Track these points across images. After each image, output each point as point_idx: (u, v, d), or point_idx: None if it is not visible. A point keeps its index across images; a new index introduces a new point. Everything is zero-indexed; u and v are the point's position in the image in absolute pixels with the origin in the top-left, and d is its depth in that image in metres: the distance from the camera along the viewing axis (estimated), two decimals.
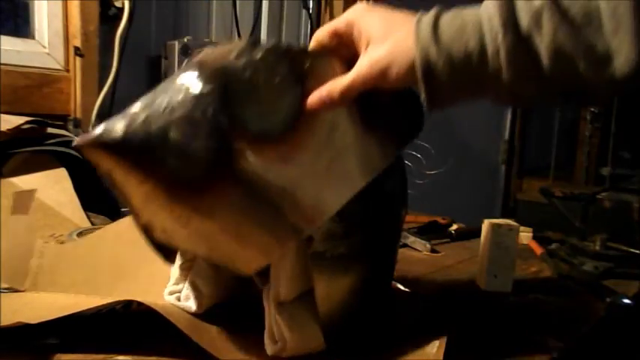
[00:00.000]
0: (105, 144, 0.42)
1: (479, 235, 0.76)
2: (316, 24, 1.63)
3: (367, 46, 0.46)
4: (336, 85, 0.46)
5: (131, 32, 1.15)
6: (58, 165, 0.84)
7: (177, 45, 1.11)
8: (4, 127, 0.80)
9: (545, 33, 0.41)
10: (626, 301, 0.71)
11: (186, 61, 0.49)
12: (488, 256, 0.72)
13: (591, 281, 0.79)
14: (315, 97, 0.46)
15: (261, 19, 1.51)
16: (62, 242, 0.61)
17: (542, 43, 0.42)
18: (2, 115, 0.85)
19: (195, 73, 0.43)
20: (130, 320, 0.53)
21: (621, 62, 0.40)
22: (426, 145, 0.79)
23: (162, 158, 0.42)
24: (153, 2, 1.25)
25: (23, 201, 0.66)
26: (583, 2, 0.41)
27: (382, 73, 0.45)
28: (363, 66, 0.46)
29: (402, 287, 0.68)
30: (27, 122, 0.84)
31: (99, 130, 0.42)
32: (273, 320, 0.47)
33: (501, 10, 0.42)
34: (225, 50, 0.45)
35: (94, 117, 1.10)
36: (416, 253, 0.91)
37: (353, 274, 0.50)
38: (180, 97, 0.43)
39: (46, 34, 1.10)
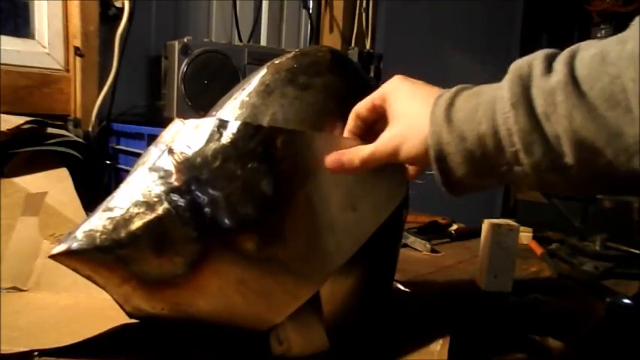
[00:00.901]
0: (77, 254, 0.42)
1: (479, 235, 0.76)
2: (316, 24, 1.63)
3: (392, 120, 0.46)
4: (358, 153, 0.46)
5: (131, 32, 1.15)
6: (59, 164, 0.84)
7: (177, 45, 1.11)
8: (4, 127, 0.80)
9: (561, 115, 0.36)
10: (626, 301, 0.71)
11: (155, 142, 0.48)
12: (488, 256, 0.72)
13: (591, 281, 0.79)
14: (334, 160, 0.46)
15: (261, 19, 1.51)
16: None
17: (560, 127, 0.36)
18: (2, 115, 0.85)
19: (167, 163, 0.43)
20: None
21: None
22: None
23: (135, 263, 0.42)
24: (153, 2, 1.25)
25: (33, 203, 0.67)
26: (604, 83, 0.35)
27: (395, 151, 0.45)
28: (382, 140, 0.46)
29: (402, 287, 0.68)
30: (27, 122, 0.84)
31: (69, 240, 0.42)
32: None
33: (514, 88, 0.38)
34: (195, 133, 0.44)
35: (94, 117, 1.10)
36: (416, 253, 0.91)
37: (356, 275, 0.50)
38: (150, 195, 0.43)
39: (46, 34, 1.10)
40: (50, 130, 0.88)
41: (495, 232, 0.72)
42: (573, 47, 0.39)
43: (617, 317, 0.69)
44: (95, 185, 0.86)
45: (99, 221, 0.43)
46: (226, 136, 0.44)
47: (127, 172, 1.15)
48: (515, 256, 0.72)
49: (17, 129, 0.82)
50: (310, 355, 0.47)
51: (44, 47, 1.10)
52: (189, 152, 0.44)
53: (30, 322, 0.50)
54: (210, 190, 0.43)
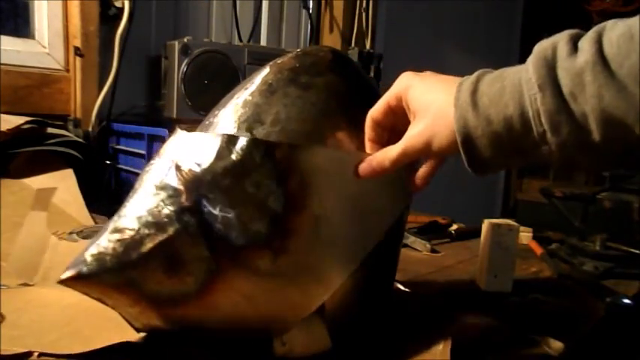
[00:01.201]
0: (87, 278, 0.42)
1: (479, 235, 0.76)
2: (316, 24, 1.63)
3: (414, 117, 0.46)
4: (387, 154, 0.46)
5: (131, 32, 1.15)
6: (63, 164, 0.84)
7: (177, 45, 1.11)
8: (4, 127, 0.80)
9: (589, 95, 0.37)
10: (626, 301, 0.71)
11: (160, 154, 0.47)
12: (488, 256, 0.72)
13: (591, 281, 0.79)
14: (366, 167, 0.47)
15: (261, 19, 1.51)
16: (64, 240, 0.62)
17: (588, 105, 0.37)
18: (2, 115, 0.85)
19: (175, 180, 0.43)
20: None
21: None
22: None
23: (146, 285, 0.42)
24: (153, 2, 1.25)
25: (43, 198, 0.67)
26: (633, 61, 0.36)
27: (426, 145, 0.44)
28: (411, 137, 0.45)
29: (402, 287, 0.68)
30: (27, 122, 0.84)
31: (79, 264, 0.42)
32: None
33: (540, 69, 0.39)
34: (202, 148, 0.44)
35: (94, 117, 1.10)
36: (416, 253, 0.91)
37: (357, 275, 0.50)
38: (160, 215, 0.42)
39: (46, 34, 1.10)
40: (50, 130, 0.88)
41: (495, 232, 0.72)
42: (599, 26, 0.39)
43: (617, 317, 0.69)
44: (95, 185, 0.86)
45: (108, 243, 0.42)
46: (235, 153, 0.43)
47: (127, 172, 1.15)
48: (515, 256, 0.72)
49: (17, 129, 0.82)
50: (313, 355, 0.47)
51: (44, 47, 1.10)
52: (198, 170, 0.43)
53: (32, 321, 0.50)
54: (221, 209, 0.42)
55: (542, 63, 0.39)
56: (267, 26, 1.54)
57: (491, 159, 0.43)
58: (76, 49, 1.09)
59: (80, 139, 0.94)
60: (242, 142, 0.43)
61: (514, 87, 0.40)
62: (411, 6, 1.97)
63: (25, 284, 0.58)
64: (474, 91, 0.42)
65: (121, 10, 1.13)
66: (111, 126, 1.12)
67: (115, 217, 0.44)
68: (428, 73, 0.48)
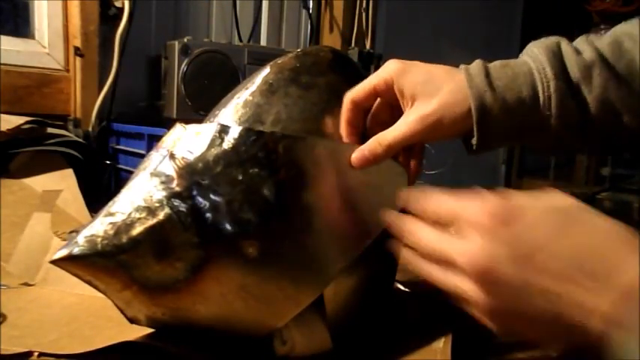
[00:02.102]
0: (78, 259, 0.42)
1: None
2: (316, 24, 1.63)
3: (413, 102, 0.47)
4: (380, 141, 0.47)
5: (131, 32, 1.15)
6: (64, 164, 0.84)
7: (177, 45, 1.11)
8: (4, 127, 0.80)
9: (596, 85, 0.45)
10: None
11: (156, 145, 0.48)
12: None
13: None
14: (358, 156, 0.47)
15: (261, 19, 1.51)
16: (65, 240, 0.62)
17: (592, 94, 0.45)
18: (2, 115, 0.85)
19: (169, 168, 0.43)
20: None
21: None
22: (426, 145, 0.79)
23: (136, 269, 0.42)
24: (153, 2, 1.25)
25: (48, 200, 0.68)
26: (626, 60, 0.46)
27: (434, 127, 0.46)
28: (412, 121, 0.46)
29: (402, 287, 0.68)
30: (27, 122, 0.84)
31: (71, 245, 0.42)
32: None
33: (552, 61, 0.46)
34: (196, 138, 0.44)
35: (94, 117, 1.10)
36: None
37: (359, 274, 0.50)
38: (151, 200, 0.43)
39: (46, 34, 1.10)
40: (50, 130, 0.88)
41: None
42: (583, 38, 0.48)
43: None
44: (95, 185, 0.87)
45: (100, 226, 0.43)
46: (227, 142, 0.43)
47: (127, 172, 1.16)
48: None
49: (17, 129, 0.82)
50: (313, 355, 0.47)
51: (44, 47, 1.10)
52: (191, 157, 0.43)
53: (32, 320, 0.50)
54: (212, 196, 0.42)
55: (553, 56, 0.46)
56: (267, 26, 1.54)
57: (499, 136, 0.47)
58: (76, 49, 1.09)
59: (80, 139, 0.94)
60: (235, 131, 0.44)
61: (525, 75, 0.46)
62: (411, 6, 1.97)
63: (26, 284, 0.58)
64: (487, 75, 0.46)
65: (121, 10, 1.13)
66: (111, 126, 1.12)
67: (110, 203, 0.44)
68: (415, 62, 0.49)
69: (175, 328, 0.46)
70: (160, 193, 0.43)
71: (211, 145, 0.43)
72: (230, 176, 0.43)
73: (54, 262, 0.42)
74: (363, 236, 0.48)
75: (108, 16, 1.13)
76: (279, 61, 0.51)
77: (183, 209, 0.42)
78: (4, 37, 1.05)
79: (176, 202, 0.42)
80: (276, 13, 1.56)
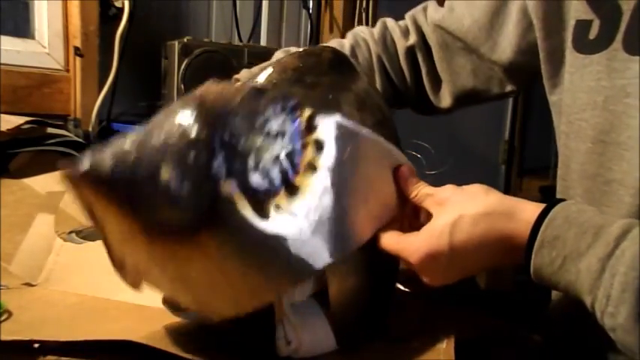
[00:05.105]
0: (92, 179, 0.41)
1: None
2: (316, 24, 1.63)
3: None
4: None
5: (131, 32, 1.15)
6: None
7: (177, 45, 1.11)
8: (4, 127, 0.80)
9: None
10: None
11: (185, 96, 0.47)
12: None
13: None
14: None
15: (261, 19, 1.51)
16: (64, 240, 0.62)
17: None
18: (2, 115, 0.85)
19: (194, 114, 0.43)
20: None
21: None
22: (426, 145, 0.79)
23: (147, 200, 0.41)
24: (153, 2, 1.25)
25: (52, 201, 0.68)
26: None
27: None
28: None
29: (402, 287, 0.68)
30: (27, 122, 0.84)
31: (87, 162, 0.41)
32: (285, 321, 0.46)
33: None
34: (229, 92, 0.45)
35: (94, 117, 1.10)
36: None
37: (362, 274, 0.50)
38: (174, 138, 0.42)
39: (46, 34, 1.10)
40: (50, 130, 0.88)
41: None
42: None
43: None
44: None
45: (113, 154, 0.41)
46: (260, 104, 0.44)
47: None
48: None
49: (17, 129, 0.82)
50: (317, 355, 0.47)
51: (44, 47, 1.10)
52: (221, 109, 0.43)
53: (33, 317, 0.51)
54: (235, 149, 0.42)
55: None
56: (267, 26, 1.54)
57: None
58: (76, 49, 1.09)
59: (80, 139, 0.94)
60: (269, 94, 0.45)
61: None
62: (411, 6, 1.97)
63: (28, 284, 0.58)
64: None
65: (121, 10, 1.13)
66: (111, 126, 1.12)
67: (130, 132, 0.43)
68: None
69: (153, 288, 0.45)
70: (181, 134, 0.42)
71: (242, 101, 0.44)
72: (254, 134, 0.43)
73: (61, 174, 0.41)
74: (369, 224, 0.48)
75: (108, 16, 1.13)
76: (282, 61, 0.51)
77: (204, 156, 0.41)
78: (4, 37, 1.05)
79: (197, 146, 0.41)
80: (276, 13, 1.56)
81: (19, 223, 0.68)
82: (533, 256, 0.43)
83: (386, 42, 0.73)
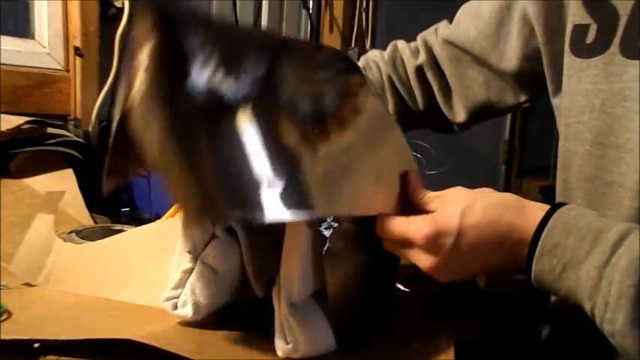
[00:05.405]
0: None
1: None
2: (316, 24, 1.63)
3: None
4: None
5: (131, 32, 1.15)
6: (64, 164, 0.84)
7: None
8: (4, 127, 0.80)
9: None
10: None
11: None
12: None
13: None
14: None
15: (261, 19, 1.51)
16: (64, 240, 0.62)
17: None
18: (2, 115, 0.85)
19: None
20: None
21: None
22: (426, 145, 0.79)
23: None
24: None
25: (52, 201, 0.68)
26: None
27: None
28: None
29: (402, 287, 0.68)
30: (27, 122, 0.84)
31: None
32: (284, 321, 0.46)
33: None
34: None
35: (94, 117, 1.10)
36: None
37: (362, 274, 0.50)
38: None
39: (46, 34, 1.10)
40: (50, 130, 0.88)
41: None
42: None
43: None
44: (95, 185, 0.86)
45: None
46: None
47: None
48: None
49: (17, 129, 0.82)
50: (317, 355, 0.47)
51: (44, 47, 1.10)
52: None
53: (33, 317, 0.51)
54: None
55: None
56: (267, 26, 1.54)
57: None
58: (76, 49, 1.09)
59: (80, 139, 0.94)
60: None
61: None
62: (411, 6, 1.97)
63: (28, 284, 0.58)
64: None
65: (121, 10, 1.13)
66: (111, 126, 1.12)
67: None
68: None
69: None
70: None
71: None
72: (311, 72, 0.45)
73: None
74: (377, 201, 0.48)
75: (108, 16, 1.13)
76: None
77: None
78: (4, 37, 1.04)
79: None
80: (276, 13, 1.56)
81: (19, 223, 0.68)
82: (534, 264, 0.44)
83: (396, 63, 0.74)
